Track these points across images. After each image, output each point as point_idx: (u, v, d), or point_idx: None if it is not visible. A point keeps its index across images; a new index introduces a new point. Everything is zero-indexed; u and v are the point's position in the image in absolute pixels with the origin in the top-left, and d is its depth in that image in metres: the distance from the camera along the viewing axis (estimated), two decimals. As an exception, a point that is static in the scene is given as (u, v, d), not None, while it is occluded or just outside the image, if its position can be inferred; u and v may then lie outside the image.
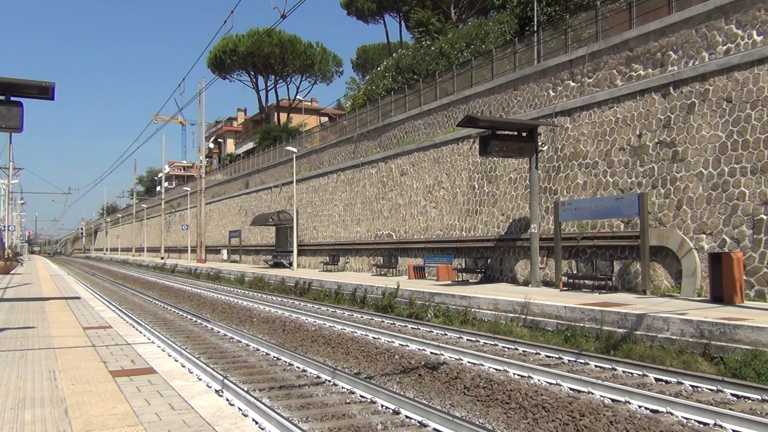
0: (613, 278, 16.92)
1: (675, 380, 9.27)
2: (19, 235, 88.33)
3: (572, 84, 20.63)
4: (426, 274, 24.56)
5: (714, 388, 8.78)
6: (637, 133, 17.22)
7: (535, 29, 24.89)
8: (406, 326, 15.89)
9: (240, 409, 7.70)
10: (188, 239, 59.19)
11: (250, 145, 69.39)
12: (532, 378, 9.59)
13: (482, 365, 10.56)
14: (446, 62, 33.72)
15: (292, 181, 35.79)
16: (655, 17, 18.05)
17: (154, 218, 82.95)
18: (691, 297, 14.53)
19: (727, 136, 14.87)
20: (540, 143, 19.64)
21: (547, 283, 19.02)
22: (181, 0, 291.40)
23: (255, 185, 50.73)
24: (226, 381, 9.00)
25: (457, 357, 11.27)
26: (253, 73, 67.69)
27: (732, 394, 8.51)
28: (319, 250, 35.96)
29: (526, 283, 19.47)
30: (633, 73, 18.33)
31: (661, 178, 16.38)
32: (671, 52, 17.18)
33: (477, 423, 7.25)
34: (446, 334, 14.32)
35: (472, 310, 15.61)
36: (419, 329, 15.29)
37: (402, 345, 12.78)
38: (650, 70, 17.77)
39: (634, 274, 16.68)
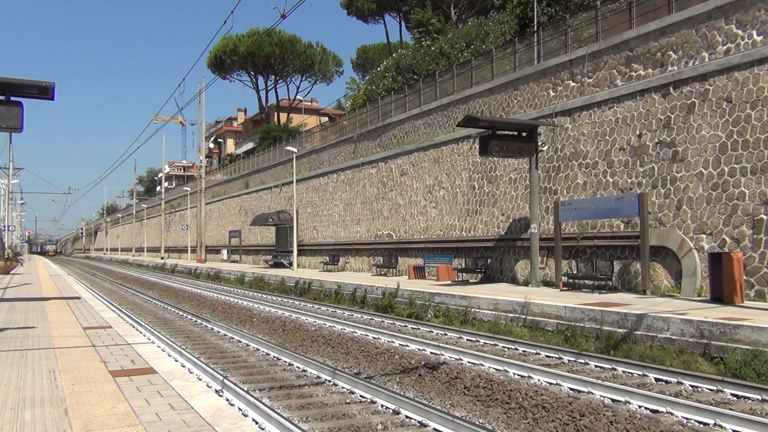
0: (613, 278, 16.91)
1: (675, 380, 9.27)
2: (19, 235, 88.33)
3: (572, 84, 20.63)
4: (426, 274, 24.56)
5: (714, 388, 8.78)
6: (637, 133, 17.22)
7: (535, 29, 24.90)
8: (406, 326, 15.89)
9: (240, 409, 7.70)
10: (188, 239, 59.19)
11: (250, 145, 69.40)
12: (532, 378, 9.59)
13: (482, 365, 10.56)
14: (446, 62, 33.70)
15: (292, 181, 35.79)
16: (655, 17, 18.05)
17: (154, 218, 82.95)
18: (691, 297, 14.53)
19: (727, 136, 14.86)
20: (540, 143, 19.64)
21: (547, 283, 19.02)
22: (181, 0, 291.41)
23: (255, 185, 50.72)
24: (226, 381, 9.00)
25: (457, 357, 11.26)
26: (253, 73, 67.68)
27: (732, 394, 8.51)
28: (319, 250, 35.96)
29: (526, 283, 19.47)
30: (633, 73, 18.33)
31: (661, 178, 16.38)
32: (671, 52, 17.18)
33: (477, 423, 7.25)
34: (446, 334, 14.32)
35: (472, 310, 15.61)
36: (419, 329, 15.29)
37: (402, 345, 12.78)
38: (650, 70, 17.77)
39: (634, 274, 16.68)
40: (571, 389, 8.87)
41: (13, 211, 71.15)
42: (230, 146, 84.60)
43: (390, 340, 13.44)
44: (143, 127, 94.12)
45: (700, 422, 7.28)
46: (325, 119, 65.27)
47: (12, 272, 37.58)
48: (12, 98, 11.28)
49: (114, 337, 10.11)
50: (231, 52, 62.23)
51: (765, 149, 13.99)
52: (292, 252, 34.72)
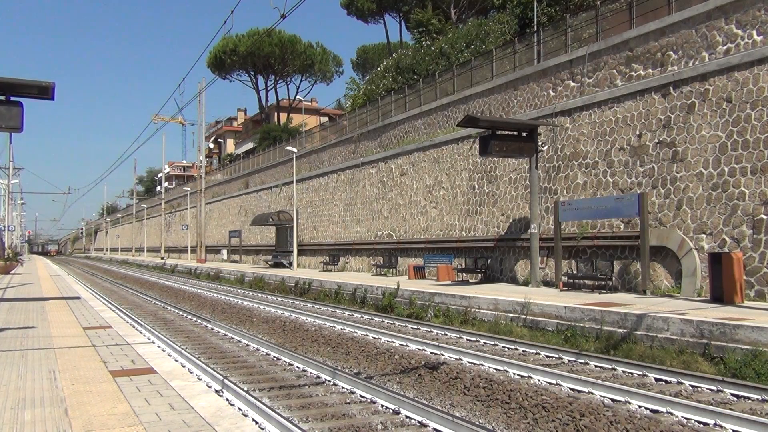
0: (613, 278, 16.91)
1: (675, 380, 9.27)
2: (19, 235, 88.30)
3: (572, 84, 20.63)
4: (426, 274, 24.56)
5: (714, 388, 8.78)
6: (637, 133, 17.23)
7: (535, 29, 24.90)
8: (406, 326, 15.89)
9: (240, 409, 7.70)
10: (188, 239, 59.19)
11: (250, 145, 69.42)
12: (532, 378, 9.59)
13: (482, 365, 10.56)
14: (446, 62, 33.70)
15: (292, 181, 35.79)
16: (655, 17, 18.06)
17: (154, 218, 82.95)
18: (691, 297, 14.53)
19: (727, 136, 14.87)
20: (540, 143, 19.64)
21: (547, 283, 19.02)
22: (181, 0, 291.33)
23: (255, 185, 50.73)
24: (226, 381, 9.00)
25: (457, 357, 11.27)
26: (253, 73, 67.71)
27: (732, 394, 8.51)
28: (319, 250, 35.96)
29: (526, 283, 19.47)
30: (633, 73, 18.34)
31: (661, 178, 16.38)
32: (671, 52, 17.18)
33: (477, 423, 7.25)
34: (446, 334, 14.32)
35: (472, 310, 15.61)
36: (419, 329, 15.29)
37: (402, 345, 12.78)
38: (650, 70, 17.77)
39: (634, 274, 16.68)
40: (571, 389, 8.87)
41: (13, 211, 71.20)
42: (230, 146, 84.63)
43: (390, 340, 13.44)
44: (143, 127, 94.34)
45: (700, 422, 7.28)
46: (325, 119, 65.28)
47: (12, 272, 37.58)
48: (12, 98, 11.27)
49: (114, 337, 10.11)
50: (231, 52, 62.24)
51: (765, 149, 13.99)
52: (292, 252, 34.72)
